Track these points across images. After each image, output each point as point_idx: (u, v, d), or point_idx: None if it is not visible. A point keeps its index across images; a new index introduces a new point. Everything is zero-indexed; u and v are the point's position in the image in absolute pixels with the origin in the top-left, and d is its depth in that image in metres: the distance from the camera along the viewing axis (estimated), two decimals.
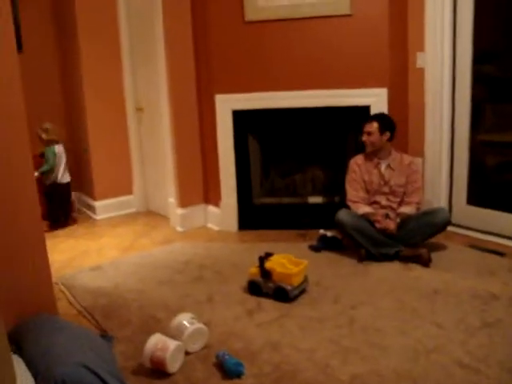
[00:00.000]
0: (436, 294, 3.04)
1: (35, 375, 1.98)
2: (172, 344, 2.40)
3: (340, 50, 3.92)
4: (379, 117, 3.70)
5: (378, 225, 3.59)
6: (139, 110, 4.98)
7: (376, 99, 3.91)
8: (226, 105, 4.20)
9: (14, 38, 2.34)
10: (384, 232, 3.57)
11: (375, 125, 3.64)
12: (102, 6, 4.77)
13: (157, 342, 2.41)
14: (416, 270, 3.38)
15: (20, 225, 2.42)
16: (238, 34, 4.05)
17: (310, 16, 3.86)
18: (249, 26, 3.99)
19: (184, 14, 4.23)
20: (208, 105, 4.30)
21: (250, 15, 3.94)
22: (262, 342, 2.62)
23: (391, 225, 3.59)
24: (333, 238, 3.80)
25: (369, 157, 3.74)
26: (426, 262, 3.40)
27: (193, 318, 2.63)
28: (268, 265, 3.10)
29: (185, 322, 2.58)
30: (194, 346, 2.56)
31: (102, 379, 1.96)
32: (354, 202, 3.71)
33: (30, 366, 2.05)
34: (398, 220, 3.63)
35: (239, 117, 4.23)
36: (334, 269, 3.49)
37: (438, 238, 3.75)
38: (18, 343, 2.26)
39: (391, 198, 3.72)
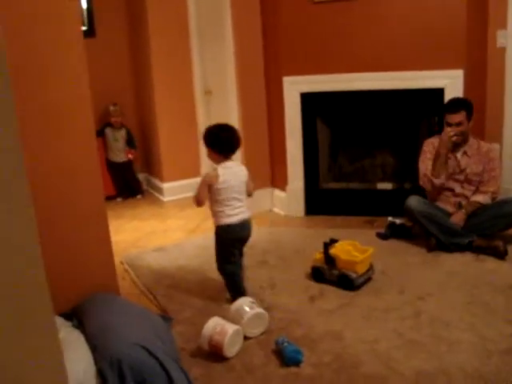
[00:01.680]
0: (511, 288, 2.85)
1: (93, 350, 2.01)
2: (230, 328, 2.38)
3: (413, 28, 3.72)
4: (464, 104, 3.41)
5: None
6: (208, 92, 4.98)
7: (451, 81, 3.69)
8: (294, 87, 4.11)
9: (81, 24, 2.37)
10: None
11: (463, 114, 3.38)
12: None
13: (215, 326, 2.39)
14: (490, 263, 3.19)
15: (82, 203, 2.47)
16: (307, 15, 3.93)
17: None
18: (318, 5, 3.87)
19: None
20: (276, 87, 4.23)
21: None
22: (323, 330, 2.55)
23: (460, 220, 3.40)
24: (401, 225, 3.65)
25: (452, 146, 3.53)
26: (501, 255, 3.20)
27: (253, 303, 2.60)
28: (332, 251, 3.02)
29: (245, 307, 2.55)
30: (254, 331, 2.53)
31: (158, 360, 1.97)
32: (428, 177, 3.48)
33: (89, 340, 2.09)
34: (470, 210, 3.42)
35: (307, 99, 4.13)
36: (402, 258, 3.35)
37: None
38: (79, 319, 2.32)
39: (466, 185, 3.52)
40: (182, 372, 2.04)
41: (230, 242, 2.84)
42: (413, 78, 3.80)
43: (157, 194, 5.28)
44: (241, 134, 4.31)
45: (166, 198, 5.09)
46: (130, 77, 5.37)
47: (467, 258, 3.28)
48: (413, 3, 3.68)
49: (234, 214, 2.80)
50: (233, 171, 2.85)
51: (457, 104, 3.43)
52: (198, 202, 2.79)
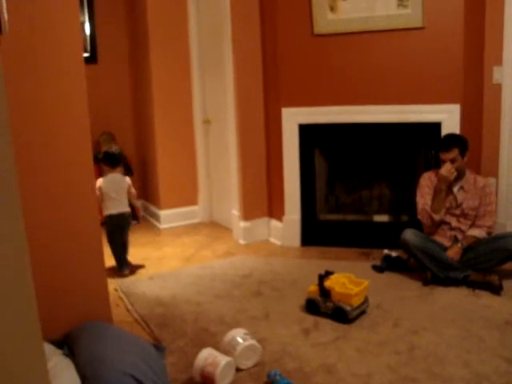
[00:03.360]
0: (507, 325, 2.82)
1: (83, 380, 1.98)
2: (222, 360, 2.36)
3: (411, 64, 3.78)
4: (456, 141, 3.45)
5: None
6: (206, 121, 5.02)
7: (448, 115, 3.73)
8: (293, 118, 4.15)
9: (82, 50, 2.41)
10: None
11: (456, 151, 3.42)
12: (173, 21, 4.87)
13: (207, 357, 2.37)
14: (485, 298, 3.17)
15: (77, 229, 2.47)
16: (307, 47, 4.00)
17: (379, 29, 3.76)
18: (317, 38, 3.94)
19: (252, 26, 4.24)
20: (275, 118, 4.27)
21: (319, 28, 3.88)
22: (316, 363, 2.53)
23: (456, 254, 3.40)
24: (397, 258, 3.65)
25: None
26: (496, 290, 3.19)
27: (246, 334, 2.58)
28: (327, 283, 3.01)
29: (238, 338, 2.53)
30: (246, 363, 2.50)
31: None
32: (426, 210, 3.50)
33: (79, 370, 2.06)
34: (465, 244, 3.43)
35: (306, 131, 4.16)
36: (397, 291, 3.34)
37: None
38: (70, 347, 2.30)
39: (462, 220, 3.53)
40: None
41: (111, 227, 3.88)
42: (411, 111, 3.85)
43: (154, 221, 5.28)
44: (238, 163, 4.38)
45: (162, 226, 5.09)
46: (129, 103, 5.43)
47: (462, 292, 3.27)
48: (411, 39, 3.74)
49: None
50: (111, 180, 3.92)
51: (448, 142, 3.47)
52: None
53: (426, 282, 3.39)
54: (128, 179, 4.05)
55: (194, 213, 5.24)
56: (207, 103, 5.03)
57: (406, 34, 3.73)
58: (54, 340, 2.42)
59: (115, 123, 5.30)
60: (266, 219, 4.56)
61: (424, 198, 3.54)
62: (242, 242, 4.49)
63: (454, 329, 2.80)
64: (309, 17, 3.90)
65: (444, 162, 3.43)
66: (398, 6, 3.64)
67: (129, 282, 3.69)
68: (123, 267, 3.90)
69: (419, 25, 3.65)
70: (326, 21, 3.85)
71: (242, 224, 4.48)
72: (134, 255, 4.27)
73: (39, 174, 2.35)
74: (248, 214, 4.47)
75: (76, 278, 2.49)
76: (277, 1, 4.05)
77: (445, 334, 2.74)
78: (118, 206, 3.90)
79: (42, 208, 2.37)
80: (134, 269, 3.99)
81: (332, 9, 3.81)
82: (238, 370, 2.47)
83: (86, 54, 5.06)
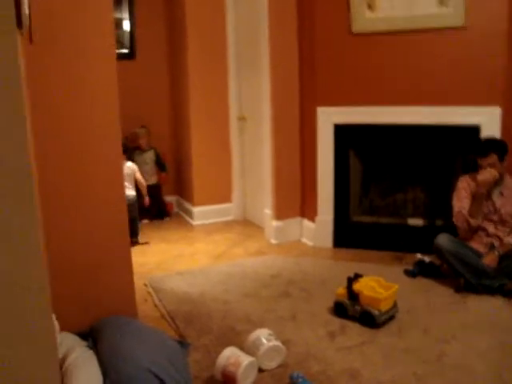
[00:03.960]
0: None
1: (104, 374, 2.00)
2: (245, 360, 2.34)
3: (451, 64, 3.68)
4: (495, 146, 3.34)
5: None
6: (242, 119, 5.02)
7: (487, 118, 3.61)
8: (328, 118, 4.10)
9: (115, 46, 2.43)
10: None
11: (494, 156, 3.31)
12: (211, 18, 4.88)
13: (230, 356, 2.36)
14: None
15: (105, 226, 2.49)
16: (344, 46, 3.94)
17: (419, 28, 3.66)
18: (355, 37, 3.87)
19: (290, 24, 4.20)
20: (310, 117, 4.23)
21: (357, 27, 3.81)
22: (341, 367, 2.49)
23: (492, 262, 3.28)
24: (430, 263, 3.56)
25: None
26: None
27: (271, 335, 2.56)
28: (356, 286, 2.95)
29: (262, 338, 2.51)
30: (270, 364, 2.48)
31: None
32: (463, 214, 3.39)
33: (101, 363, 2.08)
34: (502, 252, 3.32)
35: (341, 131, 4.11)
36: (429, 297, 3.25)
37: None
38: (94, 340, 2.32)
39: (500, 226, 3.41)
40: None
41: None
42: (449, 113, 3.74)
43: (187, 218, 5.31)
44: (272, 162, 4.35)
45: (195, 222, 5.11)
46: (166, 100, 5.48)
47: (497, 301, 3.16)
48: (451, 39, 3.64)
49: None
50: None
51: (486, 147, 3.37)
52: None
53: (458, 289, 3.30)
54: (134, 166, 4.72)
55: (227, 210, 5.24)
56: (243, 100, 5.02)
57: (446, 34, 3.62)
58: (80, 332, 2.46)
59: (151, 118, 5.35)
60: (298, 219, 4.52)
61: (461, 201, 3.44)
62: (273, 241, 4.47)
63: (485, 339, 2.71)
64: (347, 15, 3.84)
65: (482, 167, 3.33)
66: (439, 4, 3.54)
67: (158, 277, 3.72)
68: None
69: (460, 24, 3.54)
70: (364, 19, 3.78)
71: (274, 223, 4.46)
72: (165, 251, 4.31)
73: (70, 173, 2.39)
74: (280, 213, 4.44)
75: (103, 271, 2.51)
76: (315, 2, 4.00)
77: (476, 345, 2.66)
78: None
79: (76, 205, 2.42)
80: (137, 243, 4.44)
81: (370, 7, 3.74)
82: (260, 370, 2.45)
83: (124, 51, 5.14)
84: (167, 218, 5.32)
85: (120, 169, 2.53)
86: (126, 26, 5.10)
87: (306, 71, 4.22)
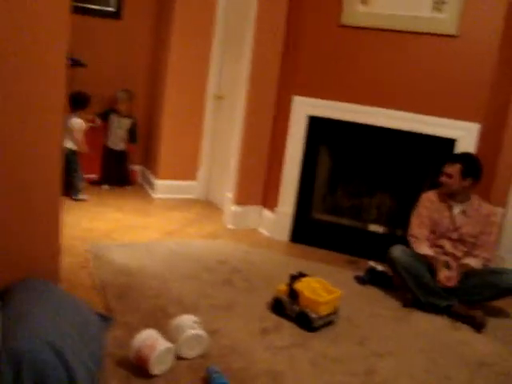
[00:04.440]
0: (481, 366, 2.61)
1: (3, 339, 1.83)
2: (162, 345, 2.19)
3: (437, 72, 3.54)
4: (465, 159, 3.24)
5: (438, 274, 3.17)
6: (219, 97, 4.83)
7: (465, 133, 3.49)
8: (302, 108, 3.94)
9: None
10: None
11: (457, 167, 3.20)
12: None
13: (147, 338, 2.21)
14: (464, 333, 2.96)
15: (34, 185, 2.31)
16: (330, 37, 3.78)
17: (410, 30, 3.52)
18: (343, 29, 3.71)
19: (278, 7, 4.01)
20: (285, 105, 4.06)
21: (347, 19, 3.65)
22: (264, 367, 2.35)
23: (451, 281, 3.17)
24: (382, 273, 3.44)
25: (443, 196, 3.33)
26: (478, 326, 2.97)
27: (195, 322, 2.41)
28: (298, 285, 2.82)
29: (185, 325, 2.36)
30: (190, 352, 2.34)
31: (64, 361, 1.79)
32: (417, 238, 3.32)
33: (3, 328, 1.91)
34: (461, 272, 3.21)
35: (314, 124, 3.96)
36: (373, 307, 3.14)
37: (501, 303, 3.29)
38: (4, 302, 2.15)
39: (458, 245, 3.30)
40: (89, 377, 1.86)
41: None
42: (428, 122, 3.62)
43: (149, 190, 5.12)
44: (240, 145, 4.19)
45: (156, 195, 4.93)
46: (147, 66, 5.25)
47: (442, 322, 3.06)
48: (441, 46, 3.50)
49: None
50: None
51: (456, 156, 3.30)
52: None
53: (405, 304, 3.19)
54: (81, 125, 4.55)
55: (190, 188, 5.07)
56: (223, 79, 4.83)
57: (436, 40, 3.48)
58: None
59: (132, 82, 5.14)
60: (258, 207, 4.37)
61: (417, 219, 3.36)
62: (230, 226, 4.32)
63: (421, 359, 2.60)
64: (338, 5, 3.68)
65: (442, 173, 3.23)
66: (434, 8, 3.39)
67: (102, 246, 3.54)
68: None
69: (452, 32, 3.40)
70: (355, 12, 3.62)
71: (233, 208, 4.30)
72: (118, 220, 4.14)
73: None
74: (241, 198, 4.29)
75: (25, 227, 2.33)
76: None
77: (410, 364, 2.55)
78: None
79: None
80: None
81: (364, 1, 3.57)
82: (179, 358, 2.31)
83: (110, 9, 4.92)
84: (129, 187, 5.13)
85: (57, 117, 2.32)
86: None
87: (288, 58, 4.05)
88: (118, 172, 5.07)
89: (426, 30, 3.47)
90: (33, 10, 2.15)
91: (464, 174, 3.18)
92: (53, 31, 2.22)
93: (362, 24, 3.64)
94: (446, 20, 3.39)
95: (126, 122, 5.01)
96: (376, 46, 3.67)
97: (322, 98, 3.87)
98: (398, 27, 3.55)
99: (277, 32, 4.05)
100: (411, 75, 3.61)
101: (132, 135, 5.08)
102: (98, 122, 4.89)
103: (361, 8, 3.61)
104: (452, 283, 3.15)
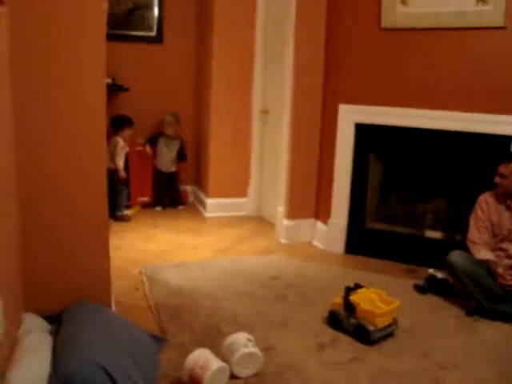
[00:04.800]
0: None
1: (53, 363, 1.85)
2: (214, 364, 2.16)
3: (486, 67, 3.38)
4: None
5: (500, 278, 3.01)
6: (264, 112, 4.81)
7: None
8: (349, 116, 3.86)
9: (105, 29, 2.27)
10: (505, 286, 2.99)
11: (511, 167, 3.05)
12: (241, 8, 4.68)
13: (199, 358, 2.19)
14: None
15: (84, 211, 2.34)
16: (372, 41, 3.69)
17: (455, 27, 3.38)
18: (385, 33, 3.62)
19: (318, 16, 3.98)
20: (331, 114, 3.99)
21: (387, 22, 3.56)
22: None
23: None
24: (443, 280, 3.29)
25: (500, 197, 3.16)
26: None
27: (249, 340, 2.37)
28: (354, 297, 2.72)
29: (238, 344, 2.32)
30: (244, 371, 2.30)
31: (115, 382, 1.78)
32: (475, 243, 3.16)
33: (54, 351, 1.93)
34: None
35: (362, 131, 3.86)
36: (435, 317, 2.99)
37: None
38: (58, 326, 2.17)
39: None
40: None
41: None
42: (481, 120, 3.44)
43: (201, 209, 5.14)
44: (289, 158, 4.15)
45: (208, 214, 4.94)
46: (192, 86, 5.31)
47: (510, 330, 2.87)
48: (489, 40, 3.34)
49: None
50: None
51: (510, 155, 3.14)
52: None
53: (469, 312, 3.02)
54: (119, 143, 4.67)
55: (242, 205, 5.05)
56: (268, 94, 4.80)
57: (483, 34, 3.33)
58: (49, 315, 2.31)
59: (177, 104, 5.20)
60: (311, 220, 4.29)
61: (475, 223, 3.20)
62: (283, 240, 4.26)
63: (490, 371, 2.44)
64: (377, 9, 3.59)
65: (496, 174, 3.07)
66: (478, 1, 3.25)
67: (154, 266, 3.57)
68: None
69: (500, 24, 3.24)
70: (395, 14, 3.52)
71: (286, 222, 4.25)
72: (171, 240, 4.17)
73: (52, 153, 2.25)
74: (293, 212, 4.23)
75: (76, 252, 2.36)
76: None
77: (477, 376, 2.40)
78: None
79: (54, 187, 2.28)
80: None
81: (403, 1, 3.48)
82: (234, 377, 2.27)
83: (151, 34, 5.02)
84: (181, 207, 5.17)
85: (102, 146, 2.36)
86: (155, 10, 4.97)
87: (331, 66, 3.99)
88: (169, 193, 5.14)
89: (471, 25, 3.32)
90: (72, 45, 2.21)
91: None
92: (90, 62, 2.25)
93: (404, 25, 3.54)
94: (491, 12, 3.23)
95: (174, 144, 5.07)
96: (420, 47, 3.55)
97: (369, 104, 3.78)
98: (441, 25, 3.43)
99: (317, 41, 4.01)
100: (460, 73, 3.46)
101: (181, 155, 5.14)
102: (148, 149, 4.97)
103: (401, 9, 3.51)
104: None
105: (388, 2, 3.53)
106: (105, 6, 2.26)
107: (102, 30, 2.25)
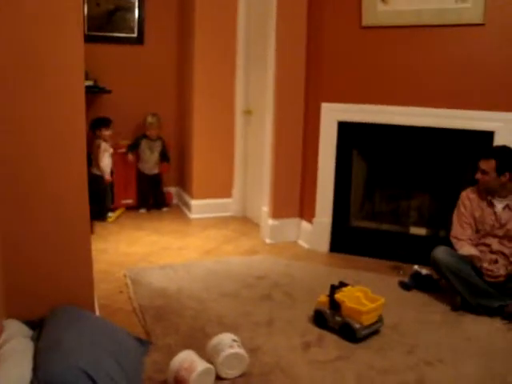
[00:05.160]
0: None
1: (34, 369, 1.81)
2: (200, 366, 2.14)
3: (467, 64, 3.40)
4: (500, 154, 3.07)
5: (485, 272, 3.02)
6: (247, 112, 4.80)
7: (503, 125, 3.33)
8: (332, 114, 3.86)
9: (82, 27, 2.24)
10: (488, 280, 3.00)
11: (492, 163, 3.03)
12: (222, 9, 4.67)
13: (184, 360, 2.17)
14: None
15: (66, 213, 2.31)
16: (353, 40, 3.70)
17: (434, 24, 3.40)
18: (365, 31, 3.62)
19: (299, 15, 3.97)
20: (314, 113, 3.99)
21: (368, 20, 3.57)
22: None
23: (500, 270, 3.01)
24: (427, 276, 3.30)
25: (482, 193, 3.18)
26: None
27: (234, 341, 2.35)
28: (339, 296, 2.72)
29: (223, 344, 2.30)
30: (230, 372, 2.28)
31: None
32: (459, 239, 3.17)
33: (36, 357, 1.90)
34: (509, 270, 3.04)
35: (345, 129, 3.86)
36: (420, 313, 3.00)
37: None
38: (40, 331, 2.14)
39: (505, 242, 3.12)
40: None
41: None
42: (462, 117, 3.46)
43: (185, 210, 5.12)
44: (272, 158, 4.14)
45: (192, 215, 4.91)
46: (173, 87, 5.28)
47: (495, 324, 2.89)
48: (468, 36, 3.37)
49: None
50: None
51: (491, 151, 3.12)
52: None
53: (454, 308, 3.03)
54: (101, 145, 4.67)
55: (226, 206, 5.03)
56: (250, 94, 4.79)
57: (462, 31, 3.35)
58: (31, 320, 2.28)
59: (158, 105, 5.17)
60: (296, 220, 4.29)
61: (458, 220, 3.21)
62: (268, 240, 4.24)
63: (475, 365, 2.45)
64: (357, 7, 3.60)
65: (478, 170, 3.08)
66: None
67: (139, 269, 3.54)
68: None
69: (479, 21, 3.26)
70: (375, 12, 3.53)
71: (270, 222, 4.24)
72: (155, 242, 4.14)
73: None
74: (277, 211, 4.22)
75: (58, 256, 2.33)
76: None
77: (463, 370, 2.40)
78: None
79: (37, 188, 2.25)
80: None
81: (383, 0, 3.49)
82: (220, 378, 2.25)
83: (132, 35, 4.98)
84: (165, 209, 5.14)
85: (81, 149, 2.33)
86: (136, 11, 4.93)
87: (312, 65, 3.99)
88: (153, 195, 5.11)
89: (450, 22, 3.34)
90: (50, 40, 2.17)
91: (500, 170, 3.02)
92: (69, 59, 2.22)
93: (384, 23, 3.55)
94: (470, 9, 3.26)
95: (156, 146, 5.03)
96: (401, 44, 3.57)
97: (352, 102, 3.78)
98: (421, 22, 3.44)
99: (299, 40, 4.00)
100: (441, 69, 3.48)
101: (164, 156, 5.11)
102: (130, 157, 4.93)
103: (381, 7, 3.52)
104: (502, 278, 3.00)
105: (368, 0, 3.53)
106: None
107: (80, 28, 2.22)
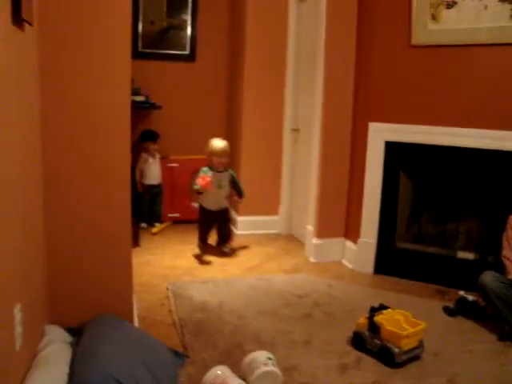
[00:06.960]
0: None
1: (69, 375, 1.87)
2: (232, 382, 2.14)
3: None
4: None
5: None
6: (296, 130, 4.82)
7: None
8: (379, 134, 3.82)
9: (130, 45, 2.33)
10: None
11: None
12: (272, 28, 4.74)
13: (217, 376, 2.18)
14: None
15: (108, 226, 2.38)
16: (402, 59, 3.66)
17: (487, 43, 3.32)
18: (415, 50, 3.58)
19: (347, 34, 3.98)
20: (361, 133, 3.96)
21: (417, 39, 3.52)
22: None
23: None
24: (474, 303, 3.19)
25: None
26: None
27: (269, 359, 2.34)
28: (378, 318, 2.67)
29: (258, 362, 2.30)
30: None
31: None
32: (509, 260, 3.05)
33: (72, 363, 1.96)
34: None
35: (392, 149, 3.81)
36: (464, 341, 2.89)
37: None
38: (78, 338, 2.20)
39: None
40: None
41: None
42: None
43: (231, 226, 5.14)
44: (318, 176, 4.12)
45: (238, 232, 4.94)
46: (223, 104, 5.38)
47: None
48: None
49: None
50: None
51: None
52: None
53: (501, 337, 2.91)
54: (142, 157, 4.88)
55: (273, 223, 5.04)
56: (299, 112, 4.81)
57: None
58: (71, 327, 2.35)
59: (209, 122, 5.28)
60: (341, 239, 4.25)
61: (508, 241, 3.08)
62: (312, 259, 4.22)
63: None
64: (407, 26, 3.56)
65: None
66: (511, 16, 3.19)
67: (181, 283, 3.59)
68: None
69: None
70: (425, 31, 3.49)
71: (315, 241, 4.21)
72: (199, 257, 4.18)
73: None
74: (322, 231, 4.19)
75: (101, 267, 2.40)
76: (375, 9, 3.77)
77: None
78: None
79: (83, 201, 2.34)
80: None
81: (434, 18, 3.45)
82: None
83: (185, 52, 5.12)
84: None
85: (126, 167, 2.40)
86: (189, 29, 5.08)
87: (361, 84, 3.97)
88: (219, 232, 4.68)
89: (506, 40, 3.25)
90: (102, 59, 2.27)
91: None
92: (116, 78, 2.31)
93: (434, 42, 3.50)
94: None
95: (225, 177, 4.32)
96: (452, 63, 3.50)
97: (399, 122, 3.73)
98: (473, 41, 3.37)
99: (348, 59, 4.00)
100: (493, 90, 3.39)
101: (238, 189, 4.43)
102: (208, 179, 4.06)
103: (431, 25, 3.47)
104: None
105: (418, 18, 3.50)
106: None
107: (127, 46, 2.31)
